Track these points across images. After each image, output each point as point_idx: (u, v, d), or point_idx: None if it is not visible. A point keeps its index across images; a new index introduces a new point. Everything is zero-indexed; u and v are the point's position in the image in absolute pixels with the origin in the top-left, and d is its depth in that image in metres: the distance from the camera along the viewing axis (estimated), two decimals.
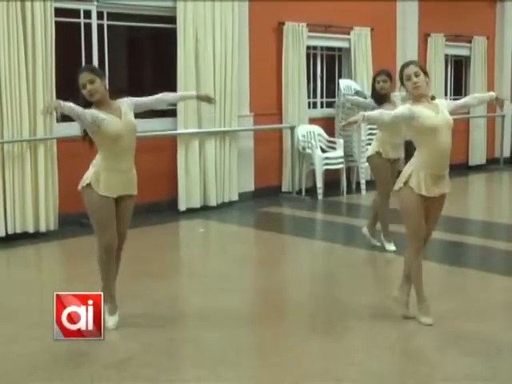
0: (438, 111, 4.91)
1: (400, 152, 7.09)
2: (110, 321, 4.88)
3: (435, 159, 4.86)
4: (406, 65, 5.01)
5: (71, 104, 4.62)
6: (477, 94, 5.99)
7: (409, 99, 5.07)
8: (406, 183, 4.89)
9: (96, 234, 4.90)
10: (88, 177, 4.82)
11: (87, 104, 4.78)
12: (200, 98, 5.57)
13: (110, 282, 4.96)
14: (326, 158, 10.50)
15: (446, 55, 13.32)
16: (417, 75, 4.89)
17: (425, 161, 4.85)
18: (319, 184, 10.37)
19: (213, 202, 9.48)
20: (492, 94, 5.59)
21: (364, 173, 10.84)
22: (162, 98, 5.23)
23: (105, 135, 4.74)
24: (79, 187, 4.87)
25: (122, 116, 4.82)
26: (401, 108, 5.05)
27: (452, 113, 5.05)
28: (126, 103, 4.92)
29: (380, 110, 5.31)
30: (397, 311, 5.10)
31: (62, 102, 4.53)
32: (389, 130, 6.88)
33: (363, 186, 10.79)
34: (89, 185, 4.80)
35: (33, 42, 7.65)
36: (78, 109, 4.65)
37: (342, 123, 5.17)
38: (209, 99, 5.46)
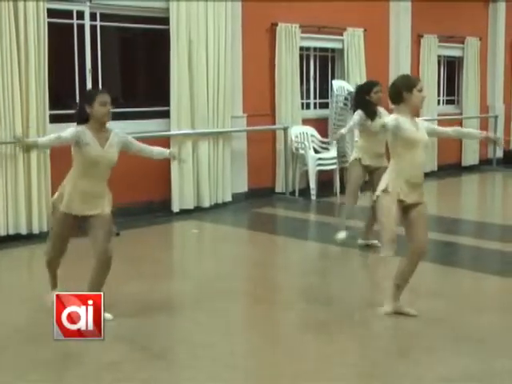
0: (418, 128, 5.07)
1: (381, 161, 7.02)
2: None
3: (410, 170, 5.03)
4: (416, 78, 5.25)
5: (47, 138, 4.92)
6: (463, 130, 6.06)
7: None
8: (384, 190, 5.03)
9: (48, 245, 5.25)
10: (58, 192, 5.08)
11: (83, 119, 4.91)
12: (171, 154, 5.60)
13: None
14: (319, 159, 10.52)
15: (439, 56, 13.35)
16: None
17: (401, 170, 5.02)
18: (312, 185, 10.37)
19: (206, 203, 9.47)
20: (482, 134, 5.82)
21: None
22: (150, 150, 5.31)
23: (83, 156, 4.89)
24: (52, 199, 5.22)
25: (106, 146, 4.94)
26: (388, 118, 5.20)
27: (428, 134, 5.20)
28: (118, 137, 5.03)
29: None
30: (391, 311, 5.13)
31: (39, 141, 4.91)
32: (370, 140, 6.92)
33: None
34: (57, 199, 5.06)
35: (25, 42, 7.62)
36: (55, 139, 4.84)
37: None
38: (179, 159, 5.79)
